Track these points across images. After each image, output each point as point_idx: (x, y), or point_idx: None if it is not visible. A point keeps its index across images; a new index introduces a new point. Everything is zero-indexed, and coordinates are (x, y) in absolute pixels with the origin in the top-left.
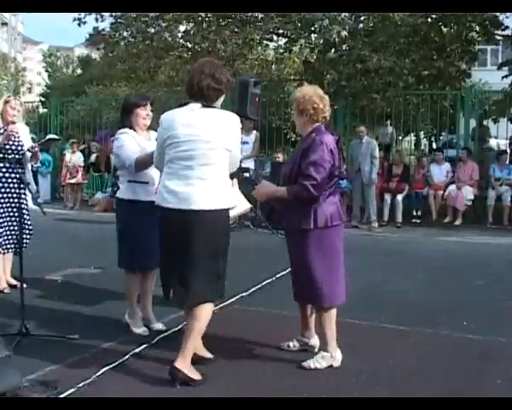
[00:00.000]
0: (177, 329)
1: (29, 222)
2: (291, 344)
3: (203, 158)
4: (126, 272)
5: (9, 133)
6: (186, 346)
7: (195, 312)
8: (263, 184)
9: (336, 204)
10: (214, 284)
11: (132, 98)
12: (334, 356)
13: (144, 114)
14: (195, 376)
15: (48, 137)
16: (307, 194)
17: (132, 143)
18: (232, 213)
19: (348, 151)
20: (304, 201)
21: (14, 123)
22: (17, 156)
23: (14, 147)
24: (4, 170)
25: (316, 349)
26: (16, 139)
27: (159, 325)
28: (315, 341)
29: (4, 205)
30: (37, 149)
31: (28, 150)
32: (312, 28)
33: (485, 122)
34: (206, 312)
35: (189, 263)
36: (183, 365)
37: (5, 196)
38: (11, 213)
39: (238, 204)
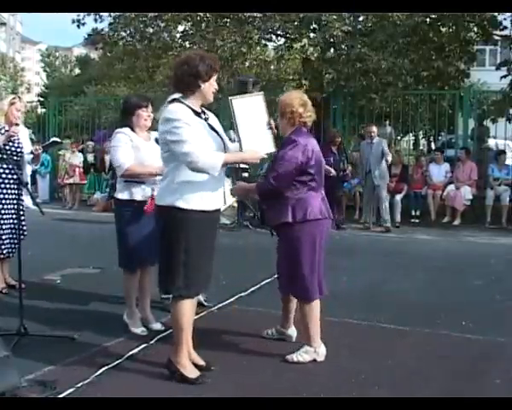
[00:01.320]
0: None
1: (24, 223)
2: (269, 332)
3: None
4: (125, 272)
5: (11, 134)
6: (174, 340)
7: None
8: (239, 183)
9: (317, 199)
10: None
11: (133, 99)
12: (317, 351)
13: (145, 115)
14: (188, 373)
15: (52, 139)
16: (268, 185)
17: (127, 145)
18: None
19: (352, 152)
20: (267, 193)
21: (17, 125)
22: (16, 158)
23: (13, 148)
24: (4, 171)
25: (293, 339)
26: (16, 140)
27: (157, 325)
28: (292, 331)
29: (6, 207)
30: (40, 151)
31: (31, 152)
32: (312, 27)
33: (484, 122)
34: (175, 307)
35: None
36: (175, 358)
37: (6, 196)
38: (13, 216)
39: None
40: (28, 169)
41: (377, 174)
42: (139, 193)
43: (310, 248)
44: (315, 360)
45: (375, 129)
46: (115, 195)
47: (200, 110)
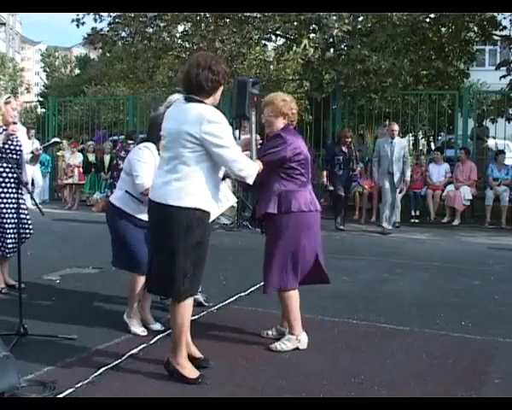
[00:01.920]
0: None
1: (29, 222)
2: (269, 333)
3: (172, 151)
4: (137, 275)
5: (10, 133)
6: (173, 341)
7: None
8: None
9: (303, 193)
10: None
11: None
12: (299, 339)
13: None
14: (188, 373)
15: (53, 140)
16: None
17: (151, 163)
18: (220, 210)
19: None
20: (246, 185)
21: (15, 123)
22: (15, 156)
23: (12, 147)
24: (4, 170)
25: None
26: (15, 139)
27: (157, 326)
28: None
29: (8, 206)
30: (41, 151)
31: (31, 152)
32: (312, 28)
33: (484, 122)
34: (178, 309)
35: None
36: (174, 360)
37: (7, 195)
38: (15, 215)
39: (225, 200)
40: (29, 169)
41: (399, 175)
42: (133, 209)
43: (290, 239)
44: (297, 349)
45: (397, 127)
46: (119, 205)
47: None
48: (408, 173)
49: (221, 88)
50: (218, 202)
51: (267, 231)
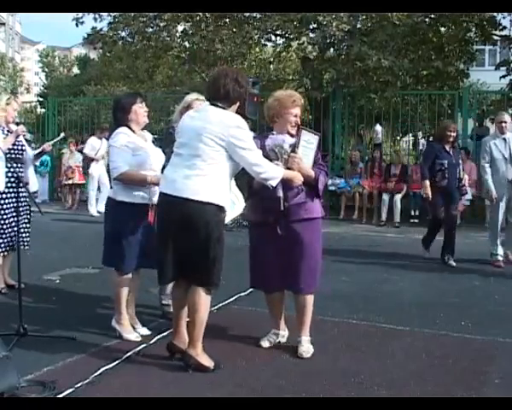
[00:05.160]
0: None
1: (28, 224)
2: (271, 340)
3: (193, 148)
4: (118, 275)
5: (19, 133)
6: (191, 333)
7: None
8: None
9: None
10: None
11: (124, 96)
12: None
13: (143, 111)
14: (207, 363)
15: (61, 135)
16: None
17: (127, 147)
18: (232, 215)
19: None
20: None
21: (18, 124)
22: (18, 156)
23: (15, 146)
24: (6, 170)
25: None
26: (17, 139)
27: (144, 330)
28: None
29: (6, 206)
30: (50, 147)
31: (41, 151)
32: (311, 27)
33: (484, 122)
34: (203, 302)
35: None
36: (194, 351)
37: (8, 195)
38: (14, 214)
39: (237, 203)
40: (30, 170)
41: None
42: (139, 196)
43: (320, 242)
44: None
45: (508, 118)
46: (112, 196)
47: None
48: None
49: (238, 102)
50: (231, 203)
51: (304, 234)
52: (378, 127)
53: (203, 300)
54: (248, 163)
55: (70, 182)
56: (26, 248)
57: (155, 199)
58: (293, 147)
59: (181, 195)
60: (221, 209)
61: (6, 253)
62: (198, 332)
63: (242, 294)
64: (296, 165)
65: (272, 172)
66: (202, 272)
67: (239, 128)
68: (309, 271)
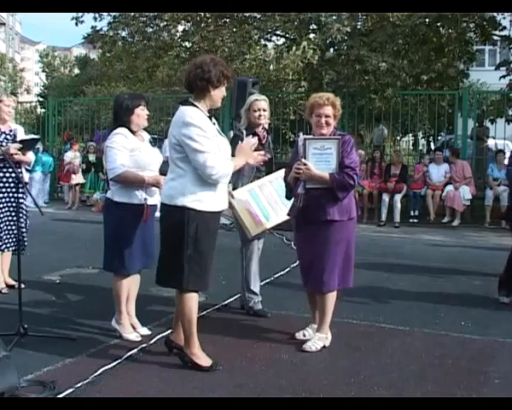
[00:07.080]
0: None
1: (25, 224)
2: (306, 333)
3: (170, 153)
4: (117, 275)
5: (11, 152)
6: (183, 332)
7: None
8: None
9: (352, 198)
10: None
11: (130, 97)
12: (328, 337)
13: (145, 114)
14: (203, 362)
15: (31, 136)
16: (350, 181)
17: (125, 148)
18: (271, 224)
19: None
20: (344, 188)
21: (20, 124)
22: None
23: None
24: (1, 169)
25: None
26: (15, 140)
27: (144, 330)
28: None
29: (3, 205)
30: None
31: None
32: (311, 28)
33: (484, 122)
34: (183, 301)
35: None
36: (188, 350)
37: (6, 195)
38: (13, 213)
39: (272, 214)
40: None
41: None
42: (137, 197)
43: (347, 243)
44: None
45: None
46: (111, 197)
47: (208, 114)
48: None
49: (217, 90)
50: (217, 201)
51: (310, 234)
52: (383, 128)
53: (185, 301)
54: (198, 165)
55: (73, 182)
56: (22, 250)
57: (151, 200)
58: (303, 156)
59: (161, 200)
60: (199, 212)
61: (9, 249)
62: (187, 332)
63: None
64: (303, 175)
65: (222, 170)
66: (175, 274)
67: (186, 125)
68: (323, 271)
